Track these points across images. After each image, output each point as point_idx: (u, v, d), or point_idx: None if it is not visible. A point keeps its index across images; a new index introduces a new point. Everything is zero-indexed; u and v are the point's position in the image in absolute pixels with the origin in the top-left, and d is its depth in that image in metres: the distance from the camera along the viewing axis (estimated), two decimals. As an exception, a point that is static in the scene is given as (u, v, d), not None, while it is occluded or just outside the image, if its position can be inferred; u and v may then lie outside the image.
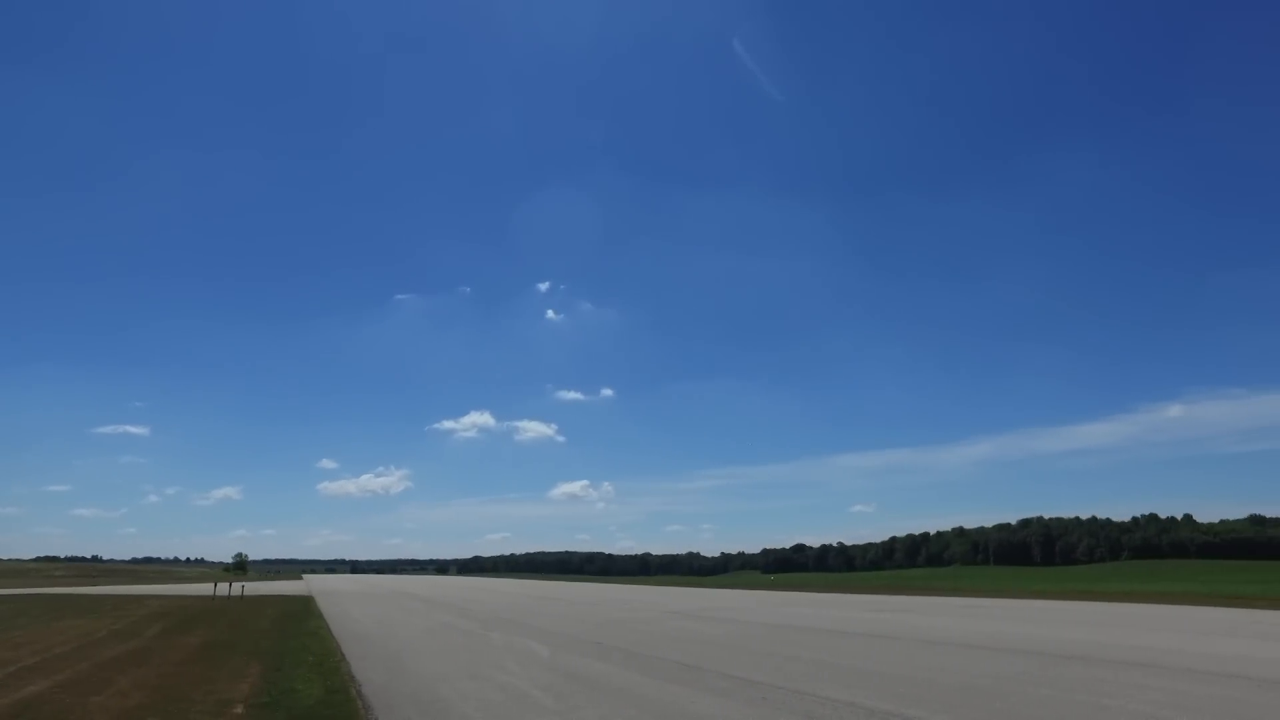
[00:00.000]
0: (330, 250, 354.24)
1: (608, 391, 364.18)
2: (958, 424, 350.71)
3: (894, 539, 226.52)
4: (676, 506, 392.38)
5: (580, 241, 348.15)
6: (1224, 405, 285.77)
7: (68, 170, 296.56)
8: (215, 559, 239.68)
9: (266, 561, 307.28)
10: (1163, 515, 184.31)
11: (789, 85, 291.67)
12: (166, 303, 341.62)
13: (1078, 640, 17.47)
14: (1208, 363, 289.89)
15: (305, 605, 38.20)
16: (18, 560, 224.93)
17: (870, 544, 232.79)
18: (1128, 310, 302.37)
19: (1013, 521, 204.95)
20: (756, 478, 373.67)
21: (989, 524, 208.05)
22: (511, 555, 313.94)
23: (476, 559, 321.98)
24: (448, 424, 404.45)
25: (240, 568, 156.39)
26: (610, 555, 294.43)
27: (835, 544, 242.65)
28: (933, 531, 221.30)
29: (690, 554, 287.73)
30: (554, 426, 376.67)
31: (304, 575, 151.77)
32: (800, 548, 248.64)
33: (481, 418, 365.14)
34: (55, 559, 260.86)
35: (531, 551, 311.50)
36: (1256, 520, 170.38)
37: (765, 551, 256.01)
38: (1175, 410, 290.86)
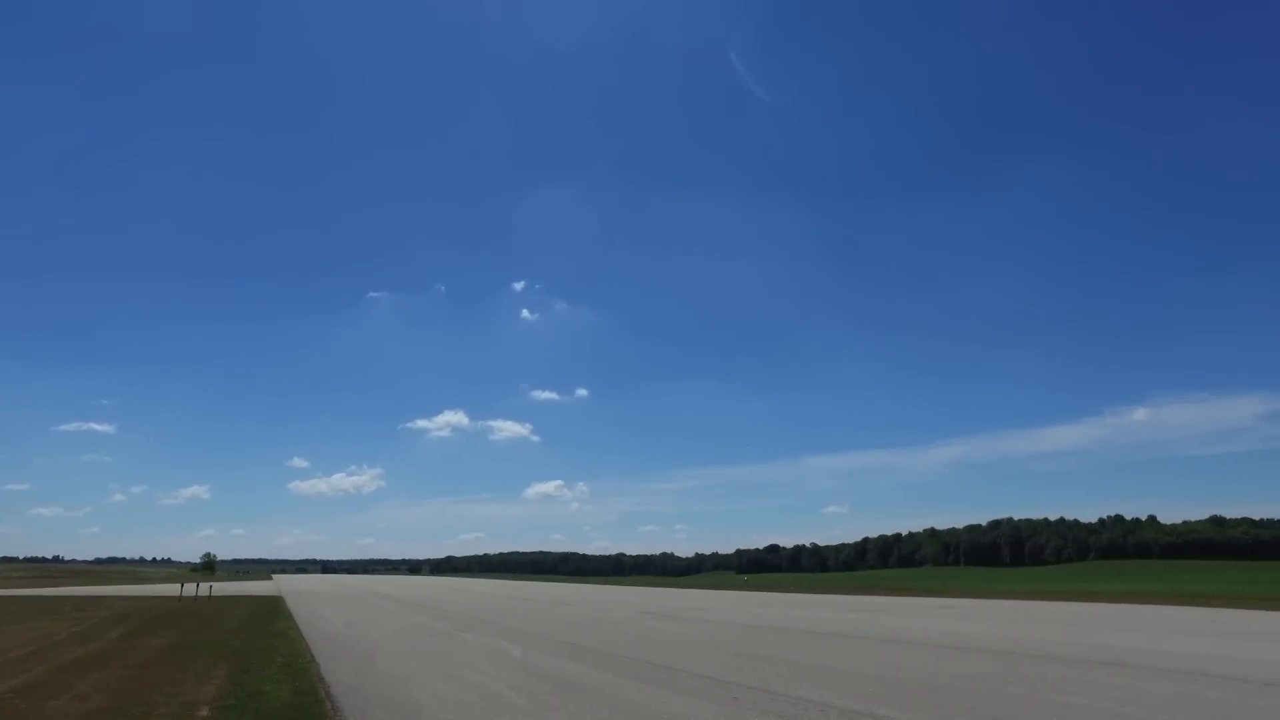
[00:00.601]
0: (303, 246, 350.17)
1: (583, 391, 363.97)
2: (929, 426, 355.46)
3: (866, 540, 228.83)
4: (651, 507, 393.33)
5: (556, 241, 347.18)
6: (1187, 409, 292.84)
7: (35, 164, 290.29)
8: (182, 559, 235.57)
9: (235, 561, 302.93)
10: (1128, 517, 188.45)
11: (767, 90, 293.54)
12: (135, 298, 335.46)
13: (1045, 640, 17.76)
14: (1172, 367, 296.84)
15: (274, 606, 37.65)
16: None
17: (843, 545, 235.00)
18: (1095, 315, 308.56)
19: (983, 523, 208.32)
20: (731, 479, 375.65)
21: (960, 525, 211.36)
22: (485, 555, 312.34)
23: (450, 559, 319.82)
24: (421, 423, 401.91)
25: (208, 568, 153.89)
26: (584, 555, 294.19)
27: (808, 545, 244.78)
28: (905, 532, 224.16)
29: (664, 554, 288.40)
30: (528, 426, 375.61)
31: (274, 575, 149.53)
32: (774, 548, 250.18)
33: (455, 417, 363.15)
34: (13, 560, 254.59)
35: (505, 552, 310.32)
36: (1217, 521, 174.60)
37: (739, 552, 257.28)
38: (1141, 414, 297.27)
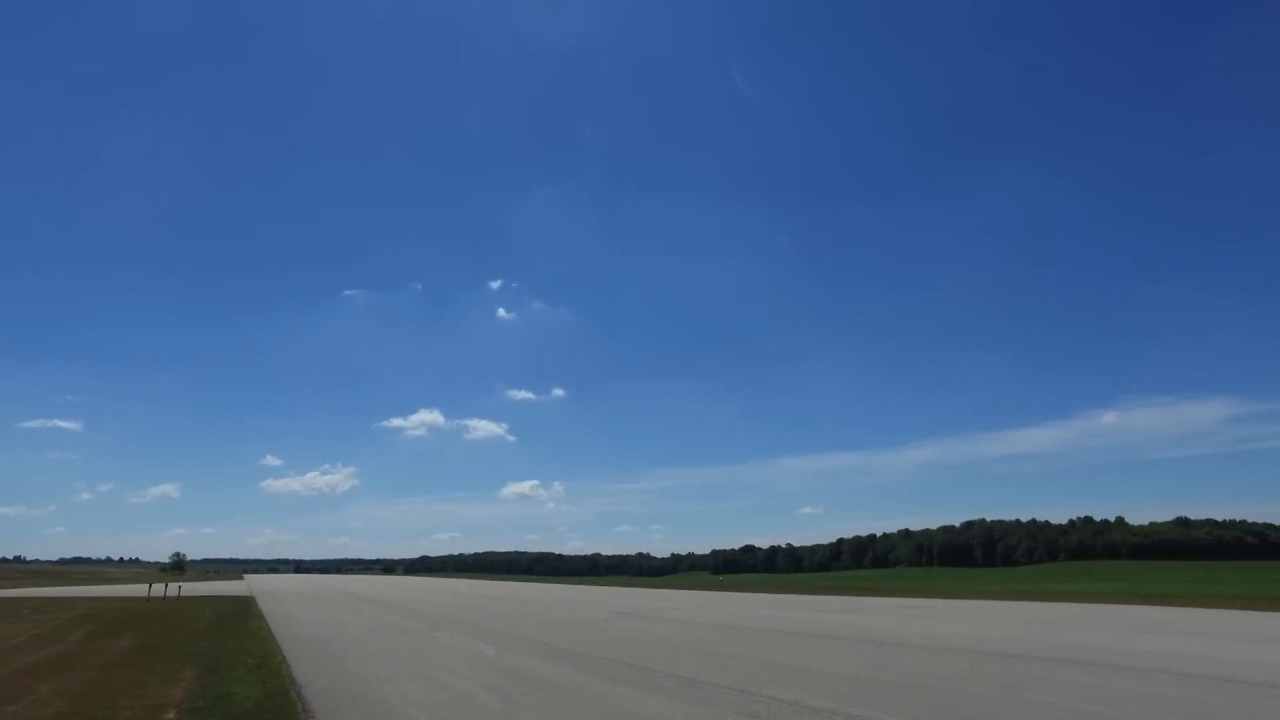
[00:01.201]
0: (277, 244, 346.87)
1: (559, 391, 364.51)
2: (903, 428, 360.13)
3: (841, 540, 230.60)
4: (626, 507, 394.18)
5: (534, 241, 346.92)
6: (1154, 412, 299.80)
7: (2, 160, 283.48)
8: (151, 559, 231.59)
9: (206, 561, 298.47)
10: (1097, 518, 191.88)
11: (744, 94, 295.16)
12: (104, 294, 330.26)
13: (1015, 639, 18.01)
14: (1140, 372, 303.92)
15: (245, 606, 37.11)
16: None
17: (818, 545, 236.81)
18: (1065, 320, 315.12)
19: (956, 524, 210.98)
20: (706, 479, 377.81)
21: (933, 526, 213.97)
22: (460, 555, 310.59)
23: (424, 559, 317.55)
24: (396, 422, 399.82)
25: (177, 568, 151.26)
26: (560, 555, 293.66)
27: (784, 545, 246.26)
28: (879, 533, 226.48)
29: (640, 554, 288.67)
30: (504, 426, 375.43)
31: (245, 575, 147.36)
32: (749, 549, 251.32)
33: (431, 416, 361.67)
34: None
35: (480, 551, 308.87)
36: (1182, 522, 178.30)
37: (715, 552, 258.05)
38: (1109, 417, 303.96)
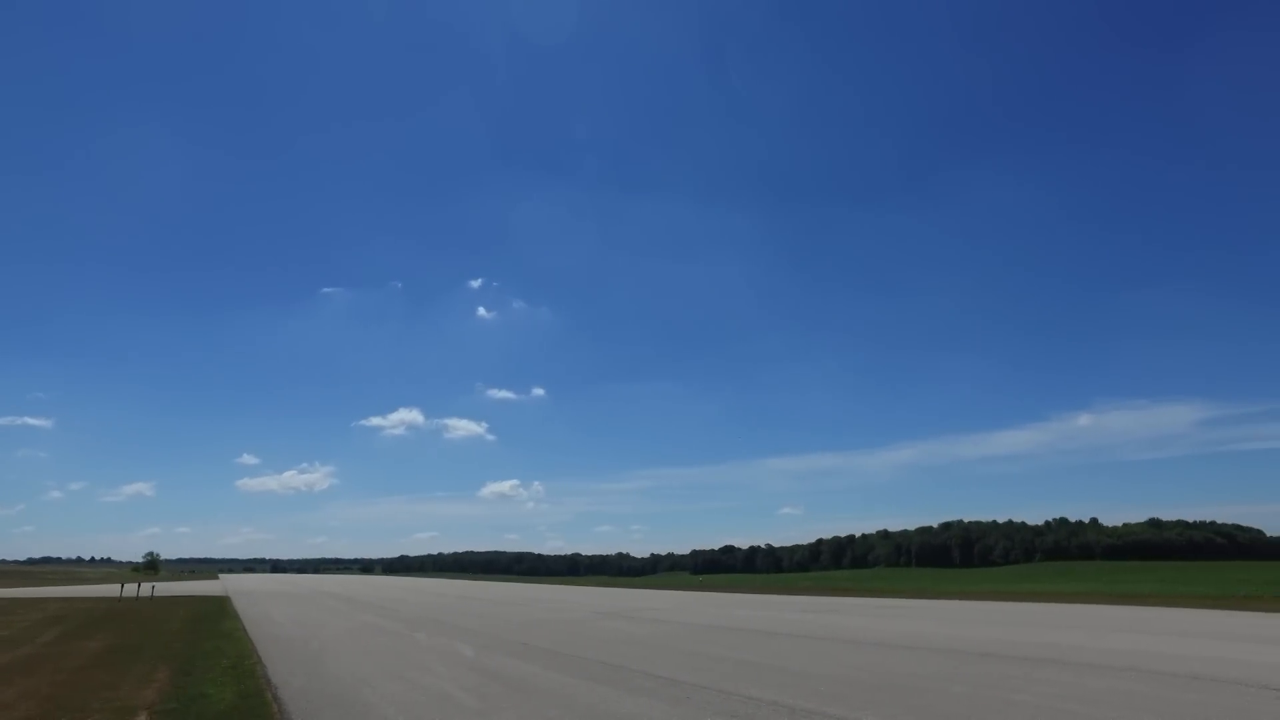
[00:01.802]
0: (255, 240, 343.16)
1: (539, 391, 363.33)
2: (882, 430, 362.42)
3: (820, 541, 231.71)
4: (606, 507, 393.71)
5: (514, 240, 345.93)
6: (1128, 415, 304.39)
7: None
8: (124, 558, 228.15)
9: (181, 561, 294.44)
10: (1072, 519, 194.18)
11: (728, 95, 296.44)
12: (76, 290, 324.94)
13: (992, 639, 18.21)
14: (1114, 375, 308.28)
15: (221, 606, 36.67)
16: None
17: (797, 545, 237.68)
18: (1042, 324, 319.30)
19: (934, 525, 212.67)
20: (686, 480, 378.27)
21: (911, 527, 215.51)
22: (439, 555, 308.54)
23: (403, 558, 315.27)
24: (375, 420, 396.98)
25: (151, 567, 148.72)
26: (540, 555, 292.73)
27: (763, 545, 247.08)
28: (858, 534, 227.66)
29: (620, 554, 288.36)
30: (484, 425, 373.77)
31: (220, 575, 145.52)
32: (729, 549, 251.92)
33: (410, 415, 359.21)
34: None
35: (459, 551, 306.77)
36: (1154, 524, 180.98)
37: (694, 553, 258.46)
38: (1084, 420, 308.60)
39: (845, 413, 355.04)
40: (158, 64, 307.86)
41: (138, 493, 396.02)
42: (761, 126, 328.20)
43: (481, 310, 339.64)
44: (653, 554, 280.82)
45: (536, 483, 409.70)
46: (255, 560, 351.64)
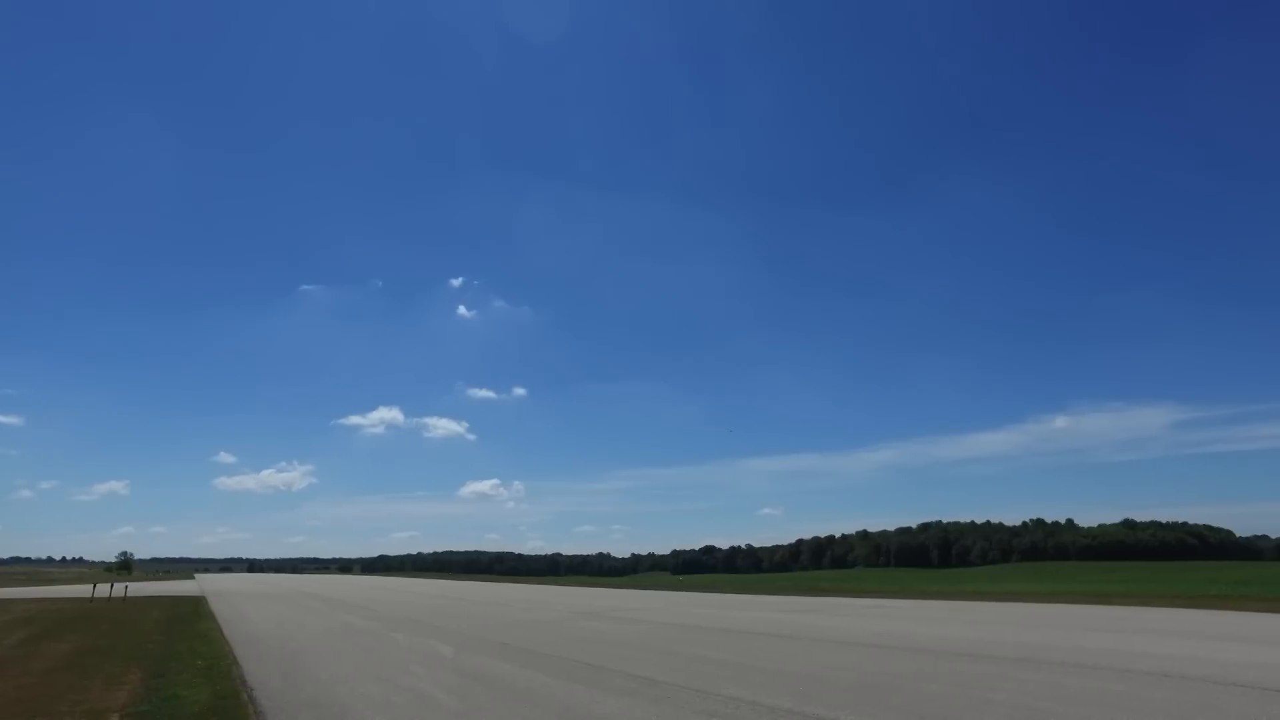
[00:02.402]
0: (232, 236, 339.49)
1: (520, 390, 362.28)
2: (861, 431, 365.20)
3: (800, 541, 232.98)
4: (587, 507, 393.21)
5: (495, 238, 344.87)
6: (1104, 417, 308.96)
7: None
8: (96, 558, 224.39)
9: (155, 561, 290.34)
10: (1048, 520, 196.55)
11: (705, 97, 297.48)
12: (48, 285, 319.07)
13: (969, 638, 18.39)
14: (1090, 378, 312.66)
15: (196, 606, 36.20)
16: None
17: (777, 546, 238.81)
18: (1019, 327, 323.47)
19: (913, 525, 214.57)
20: (667, 480, 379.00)
21: (891, 528, 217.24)
22: (419, 554, 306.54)
23: (382, 558, 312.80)
24: (355, 419, 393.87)
25: (125, 567, 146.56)
26: (520, 555, 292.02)
27: (743, 546, 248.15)
28: (837, 534, 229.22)
29: (600, 555, 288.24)
30: (465, 424, 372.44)
31: (196, 575, 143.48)
32: (709, 549, 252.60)
33: (390, 414, 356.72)
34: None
35: (439, 551, 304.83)
36: (1128, 524, 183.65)
37: (675, 553, 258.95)
38: (1061, 421, 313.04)
39: (825, 414, 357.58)
40: (137, 57, 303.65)
41: (111, 491, 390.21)
42: (743, 129, 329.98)
43: (462, 309, 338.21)
44: (633, 554, 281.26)
45: (517, 482, 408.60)
46: (232, 560, 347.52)
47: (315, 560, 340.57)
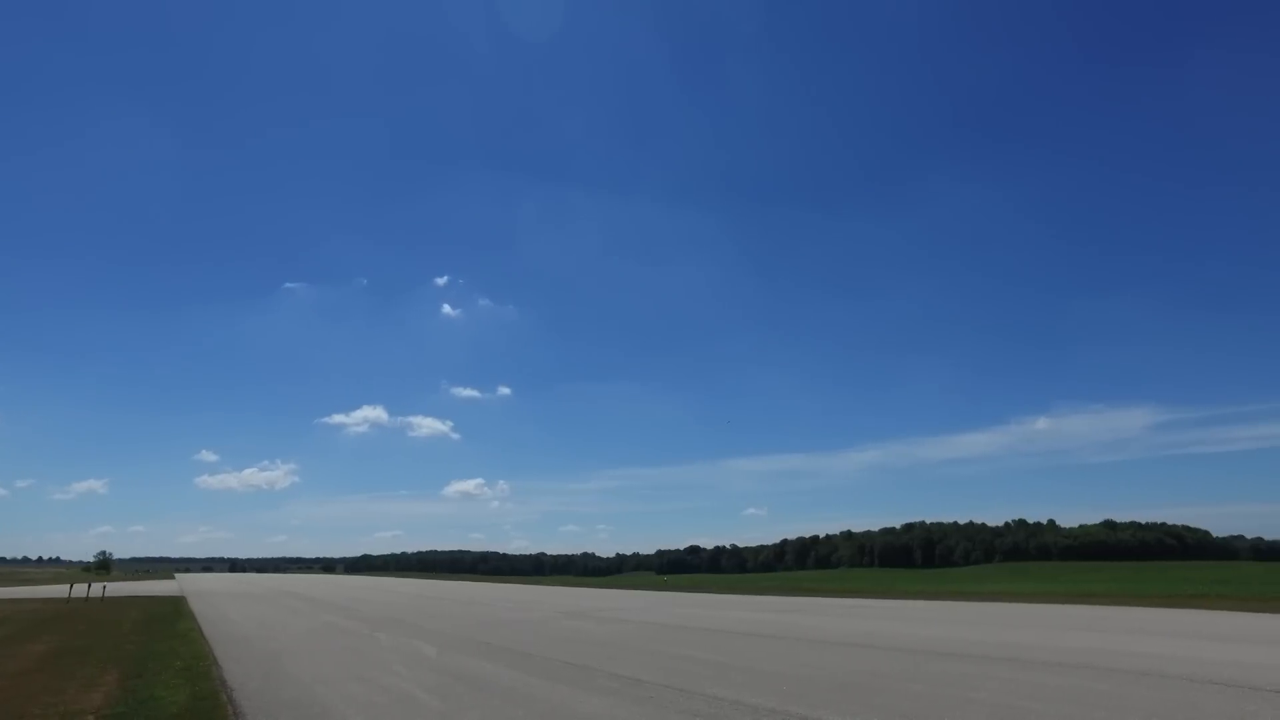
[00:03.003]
0: (214, 234, 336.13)
1: (505, 390, 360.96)
2: (846, 432, 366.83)
3: (785, 541, 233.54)
4: (572, 507, 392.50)
5: (481, 237, 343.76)
6: (1085, 419, 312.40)
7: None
8: (74, 558, 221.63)
9: (135, 560, 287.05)
10: (1030, 520, 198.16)
11: (691, 98, 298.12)
12: (21, 282, 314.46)
13: (951, 638, 18.49)
14: (1071, 380, 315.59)
15: (176, 606, 35.79)
16: None
17: (762, 546, 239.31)
18: (1002, 329, 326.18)
19: (897, 526, 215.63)
20: (652, 480, 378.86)
21: (875, 528, 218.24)
22: (403, 554, 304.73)
23: (366, 557, 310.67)
24: (338, 418, 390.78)
25: (103, 567, 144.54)
26: (505, 555, 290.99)
27: (728, 546, 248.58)
28: (822, 535, 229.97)
29: (585, 554, 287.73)
30: (449, 423, 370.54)
31: (177, 575, 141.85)
32: (694, 549, 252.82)
33: (374, 412, 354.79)
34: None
35: (423, 550, 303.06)
36: (1109, 525, 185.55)
37: (660, 553, 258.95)
38: (1043, 423, 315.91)
39: (810, 414, 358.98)
40: (119, 53, 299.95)
41: (90, 490, 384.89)
42: (730, 130, 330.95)
43: (447, 308, 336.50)
44: (618, 554, 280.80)
45: (501, 482, 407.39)
46: (214, 559, 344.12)
47: (298, 560, 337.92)
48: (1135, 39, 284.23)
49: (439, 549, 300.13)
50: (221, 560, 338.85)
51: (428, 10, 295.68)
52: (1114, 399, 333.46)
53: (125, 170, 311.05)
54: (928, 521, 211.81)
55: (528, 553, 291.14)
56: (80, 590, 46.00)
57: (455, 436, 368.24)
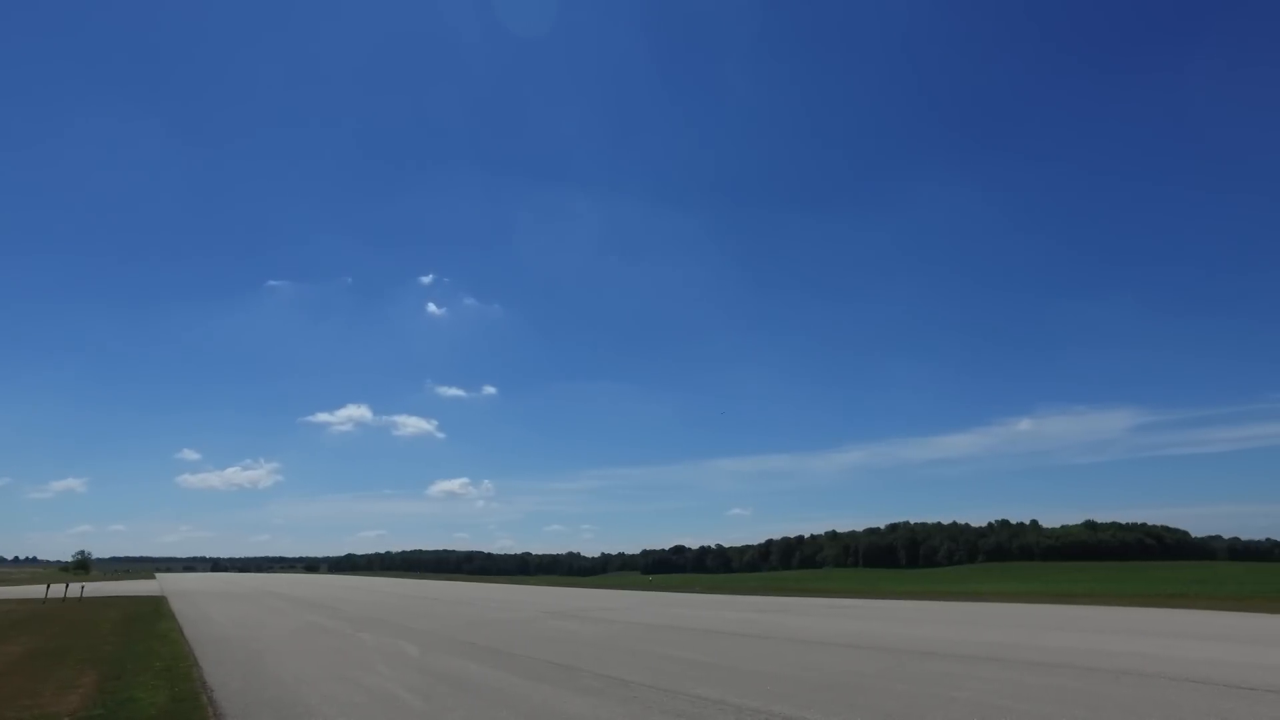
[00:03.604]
0: (197, 230, 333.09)
1: (490, 389, 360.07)
2: (830, 432, 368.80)
3: (770, 541, 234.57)
4: (557, 506, 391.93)
5: (466, 236, 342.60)
6: (1067, 420, 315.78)
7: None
8: (52, 558, 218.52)
9: (115, 560, 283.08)
10: (1013, 521, 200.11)
11: (676, 98, 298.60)
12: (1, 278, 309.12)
13: (934, 637, 18.61)
14: (1054, 381, 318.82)
15: (156, 606, 35.41)
16: None
17: (747, 546, 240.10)
18: (985, 330, 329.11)
19: (881, 526, 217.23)
20: (637, 479, 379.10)
21: (859, 528, 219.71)
22: (387, 554, 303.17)
23: (350, 557, 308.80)
24: (322, 416, 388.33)
25: (82, 567, 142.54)
26: (489, 554, 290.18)
27: (713, 546, 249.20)
28: (806, 535, 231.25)
29: (570, 554, 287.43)
30: (434, 422, 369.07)
31: (157, 574, 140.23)
32: (679, 549, 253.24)
33: (358, 411, 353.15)
34: None
35: (408, 550, 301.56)
36: (1090, 525, 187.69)
37: (645, 552, 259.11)
38: (1025, 424, 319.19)
39: (794, 415, 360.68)
40: (100, 50, 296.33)
41: (68, 489, 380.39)
42: (715, 131, 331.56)
43: (432, 306, 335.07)
44: (603, 554, 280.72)
45: (486, 481, 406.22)
46: (195, 559, 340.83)
47: (281, 559, 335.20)
48: (1117, 44, 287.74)
49: (423, 549, 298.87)
50: (203, 560, 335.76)
51: (415, 6, 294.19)
52: (1096, 401, 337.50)
53: (107, 166, 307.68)
54: (912, 522, 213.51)
55: (513, 552, 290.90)
56: (58, 590, 45.39)
57: (440, 436, 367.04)
